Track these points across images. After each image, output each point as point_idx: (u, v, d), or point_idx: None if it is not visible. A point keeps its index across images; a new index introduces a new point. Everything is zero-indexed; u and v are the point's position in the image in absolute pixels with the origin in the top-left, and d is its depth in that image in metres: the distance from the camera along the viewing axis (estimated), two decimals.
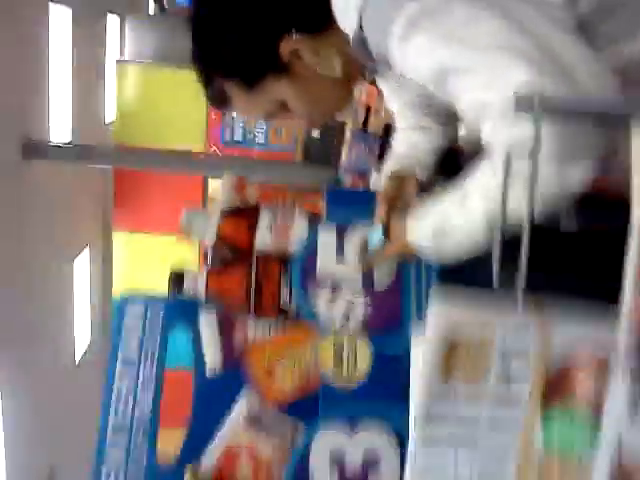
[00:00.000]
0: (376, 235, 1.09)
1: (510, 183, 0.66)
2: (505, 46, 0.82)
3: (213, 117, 5.84)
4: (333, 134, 4.57)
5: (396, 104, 1.26)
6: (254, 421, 1.18)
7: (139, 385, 1.19)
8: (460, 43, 0.85)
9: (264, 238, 1.24)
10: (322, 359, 1.18)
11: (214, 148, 5.89)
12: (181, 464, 1.17)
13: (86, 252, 7.05)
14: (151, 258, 5.93)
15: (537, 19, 0.85)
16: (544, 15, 0.86)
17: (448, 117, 1.18)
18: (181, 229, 1.28)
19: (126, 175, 6.24)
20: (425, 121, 1.21)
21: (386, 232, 1.08)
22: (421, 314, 1.18)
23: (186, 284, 1.22)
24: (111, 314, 6.39)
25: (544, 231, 0.76)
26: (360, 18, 0.94)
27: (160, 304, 1.21)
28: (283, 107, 1.10)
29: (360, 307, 1.19)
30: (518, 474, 0.74)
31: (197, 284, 1.21)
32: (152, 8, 9.35)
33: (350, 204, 1.25)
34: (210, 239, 1.24)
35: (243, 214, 1.26)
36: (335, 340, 1.18)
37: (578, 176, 0.80)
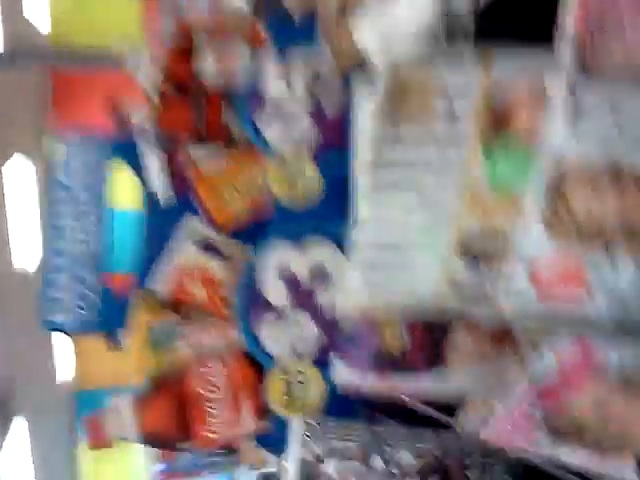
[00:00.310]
0: None
1: None
2: None
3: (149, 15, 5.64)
4: None
5: None
6: (204, 245, 1.20)
7: (83, 220, 1.20)
8: None
9: (208, 69, 1.24)
10: (271, 182, 1.20)
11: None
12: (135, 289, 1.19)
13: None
14: None
15: None
16: None
17: None
18: (125, 66, 1.27)
19: (63, 80, 6.01)
20: None
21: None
22: None
23: (134, 119, 1.22)
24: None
25: None
26: None
27: (102, 142, 1.22)
28: None
29: (308, 131, 1.20)
30: (464, 212, 0.78)
31: (143, 120, 1.21)
32: None
33: (292, 28, 1.25)
34: (154, 74, 1.24)
35: (186, 49, 1.26)
36: (283, 163, 1.20)
37: None
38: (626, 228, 0.69)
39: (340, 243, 1.11)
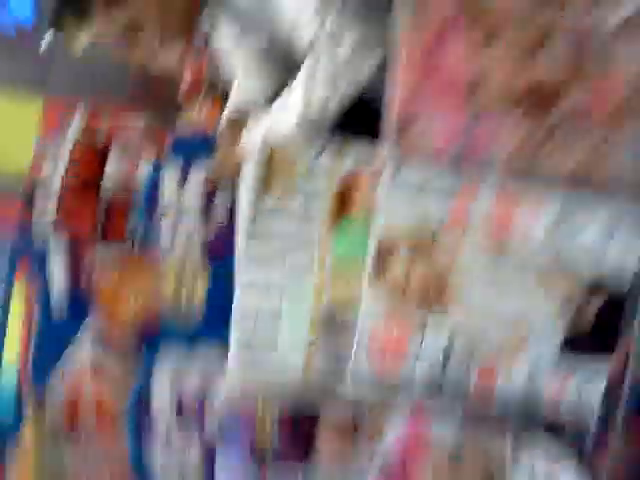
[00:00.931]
0: None
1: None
2: None
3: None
4: None
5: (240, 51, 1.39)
6: (100, 342, 1.27)
7: None
8: None
9: (114, 169, 1.32)
10: (164, 284, 1.28)
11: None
12: (28, 384, 1.25)
13: None
14: None
15: None
16: None
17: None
18: (34, 158, 1.34)
19: None
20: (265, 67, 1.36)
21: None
22: None
23: (37, 205, 1.28)
24: None
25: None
26: None
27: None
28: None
29: (199, 234, 1.29)
30: (317, 281, 0.88)
31: (47, 209, 1.28)
32: None
33: (193, 143, 1.35)
34: (62, 167, 1.31)
35: (94, 147, 1.34)
36: (176, 266, 1.28)
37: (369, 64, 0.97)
38: (434, 294, 0.81)
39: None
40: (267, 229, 0.88)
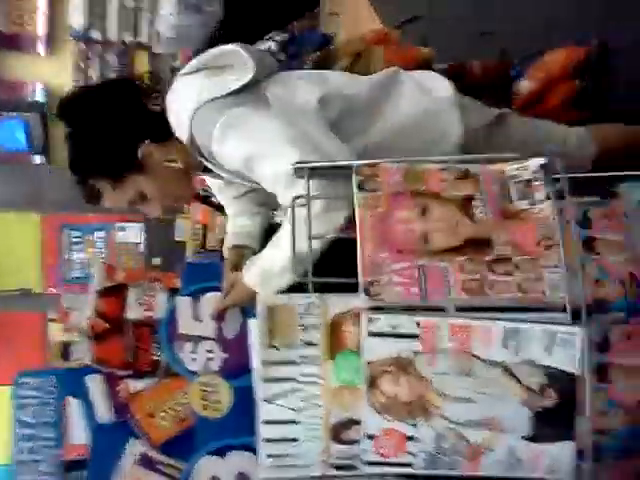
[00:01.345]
0: None
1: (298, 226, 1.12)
2: (285, 139, 1.25)
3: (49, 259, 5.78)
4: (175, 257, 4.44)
5: (224, 196, 1.65)
6: (144, 461, 1.48)
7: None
8: (256, 140, 1.28)
9: (134, 311, 1.54)
10: (192, 400, 1.50)
11: (52, 289, 5.85)
12: None
13: None
14: None
15: (304, 121, 1.31)
16: (309, 119, 1.32)
17: (266, 203, 1.58)
18: (61, 310, 1.56)
19: None
20: (250, 207, 1.62)
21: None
22: None
23: (72, 355, 1.50)
24: None
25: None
26: (191, 127, 1.32)
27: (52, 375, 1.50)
28: (142, 197, 1.44)
29: (217, 355, 1.52)
30: (329, 406, 1.10)
31: (84, 354, 1.50)
32: None
33: (202, 274, 1.59)
34: (89, 315, 1.53)
35: (114, 292, 1.56)
36: (200, 383, 1.50)
37: (337, 219, 1.22)
38: (419, 404, 1.03)
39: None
40: (276, 374, 1.10)
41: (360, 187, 1.05)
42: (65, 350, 1.45)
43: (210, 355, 1.52)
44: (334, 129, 1.35)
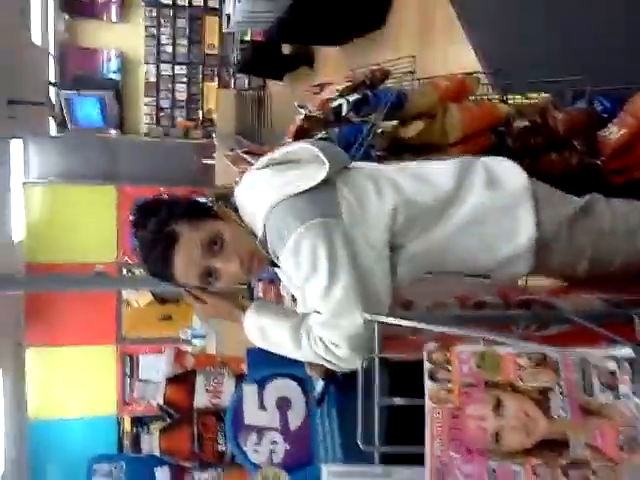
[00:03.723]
0: None
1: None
2: (354, 294, 1.20)
3: (123, 228, 5.92)
4: None
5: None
6: None
7: None
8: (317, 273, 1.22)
9: (201, 398, 1.57)
10: None
11: (126, 258, 5.99)
12: None
13: None
14: (66, 371, 6.00)
15: (372, 255, 1.26)
16: (378, 254, 1.28)
17: None
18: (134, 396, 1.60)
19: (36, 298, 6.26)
20: None
21: None
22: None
23: (142, 445, 1.55)
24: (26, 439, 6.33)
25: None
26: (264, 226, 1.29)
27: (122, 462, 1.55)
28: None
29: (280, 446, 1.53)
30: None
31: (152, 444, 1.54)
32: (53, 129, 9.25)
33: (266, 358, 1.58)
34: (159, 404, 1.57)
35: (183, 380, 1.59)
36: (263, 476, 1.52)
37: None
38: None
39: None
40: None
41: (431, 377, 1.02)
42: (135, 441, 1.48)
43: (273, 447, 1.53)
44: (394, 237, 1.31)
